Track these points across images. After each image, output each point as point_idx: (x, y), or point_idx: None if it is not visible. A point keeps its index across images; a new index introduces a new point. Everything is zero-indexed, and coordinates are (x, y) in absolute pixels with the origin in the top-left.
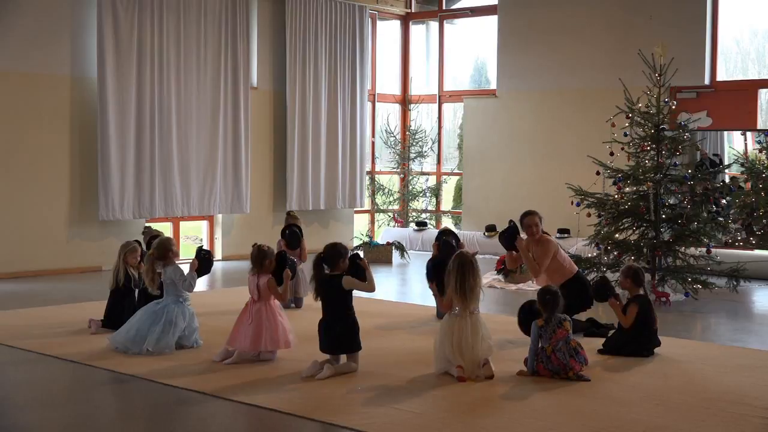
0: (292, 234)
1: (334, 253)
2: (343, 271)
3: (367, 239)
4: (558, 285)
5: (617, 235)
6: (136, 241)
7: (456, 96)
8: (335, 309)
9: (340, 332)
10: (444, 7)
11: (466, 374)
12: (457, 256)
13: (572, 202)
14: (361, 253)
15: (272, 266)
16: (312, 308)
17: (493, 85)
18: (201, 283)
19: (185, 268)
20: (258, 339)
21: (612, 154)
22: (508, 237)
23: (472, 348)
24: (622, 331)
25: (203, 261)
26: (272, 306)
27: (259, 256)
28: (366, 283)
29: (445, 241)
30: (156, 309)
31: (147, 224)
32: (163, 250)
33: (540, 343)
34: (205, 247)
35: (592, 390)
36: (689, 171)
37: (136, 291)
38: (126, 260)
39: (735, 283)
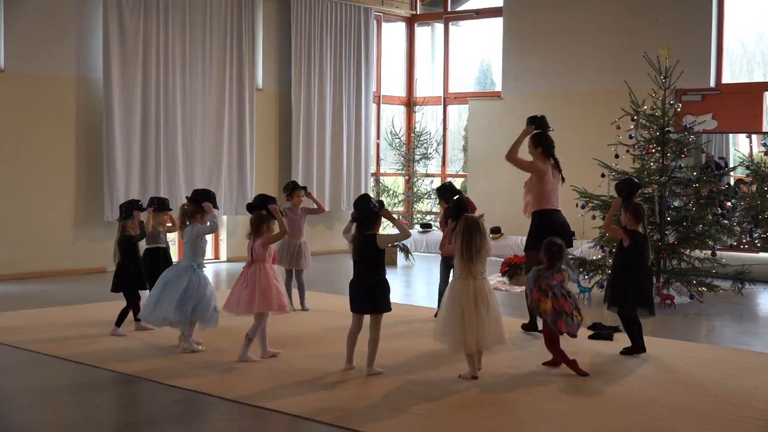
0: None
1: (369, 213)
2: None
3: None
4: (529, 213)
5: None
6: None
7: (461, 98)
8: (369, 268)
9: (373, 291)
10: (449, 9)
11: (469, 343)
12: (464, 218)
13: (577, 204)
14: (384, 201)
15: (269, 230)
16: (317, 312)
17: (498, 87)
18: None
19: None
20: (252, 301)
21: (617, 156)
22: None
23: (476, 314)
24: (621, 260)
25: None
26: (266, 269)
27: (257, 220)
28: (399, 234)
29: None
30: (174, 276)
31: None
32: (195, 211)
33: (538, 282)
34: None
35: (598, 392)
36: (694, 173)
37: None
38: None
39: (740, 285)
